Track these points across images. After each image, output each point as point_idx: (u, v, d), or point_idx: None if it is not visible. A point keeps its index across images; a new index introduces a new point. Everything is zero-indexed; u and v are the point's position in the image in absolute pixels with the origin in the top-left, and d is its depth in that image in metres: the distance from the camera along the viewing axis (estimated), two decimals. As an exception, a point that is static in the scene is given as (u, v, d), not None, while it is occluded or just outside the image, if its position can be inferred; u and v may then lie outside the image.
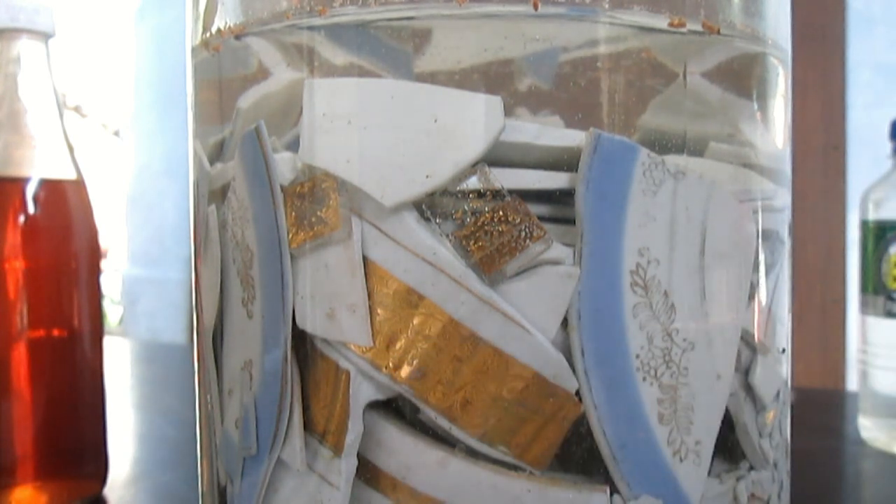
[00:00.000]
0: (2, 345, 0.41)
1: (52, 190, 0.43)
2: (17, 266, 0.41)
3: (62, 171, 0.43)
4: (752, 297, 0.22)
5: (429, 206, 0.19)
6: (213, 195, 0.23)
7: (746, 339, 0.22)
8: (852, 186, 1.29)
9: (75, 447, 0.43)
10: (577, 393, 0.19)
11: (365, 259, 0.20)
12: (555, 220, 0.20)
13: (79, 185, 0.44)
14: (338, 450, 0.20)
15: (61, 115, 0.44)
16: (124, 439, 0.54)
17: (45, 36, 0.43)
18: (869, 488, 0.50)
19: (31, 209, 0.42)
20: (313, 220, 0.20)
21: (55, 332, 0.43)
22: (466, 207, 0.19)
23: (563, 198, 0.19)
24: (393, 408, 0.20)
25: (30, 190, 0.42)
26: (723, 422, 0.21)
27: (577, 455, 0.20)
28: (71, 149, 0.44)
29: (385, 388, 0.20)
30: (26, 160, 0.42)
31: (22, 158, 0.42)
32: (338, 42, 0.20)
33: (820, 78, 1.29)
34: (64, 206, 0.43)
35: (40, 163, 0.43)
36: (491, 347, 0.19)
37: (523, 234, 0.19)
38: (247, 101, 0.22)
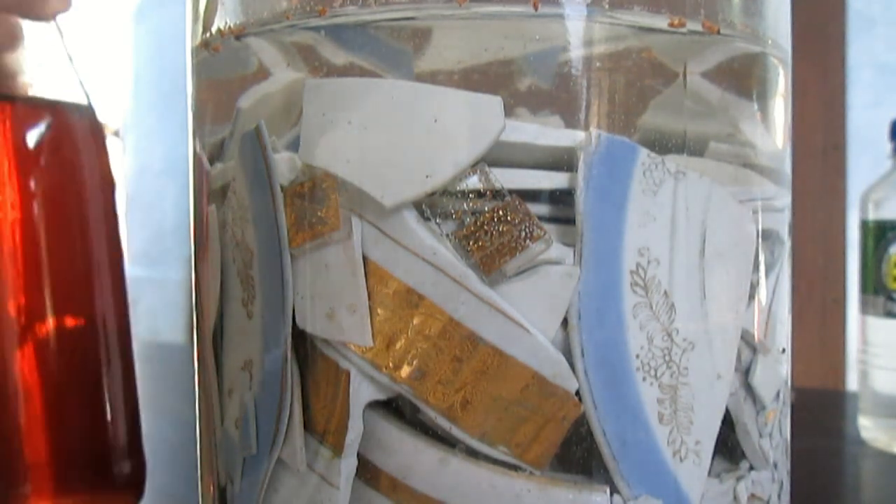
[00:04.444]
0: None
1: (57, 115, 0.32)
2: (12, 216, 0.31)
3: (67, 92, 0.33)
4: (752, 297, 0.22)
5: (429, 206, 0.19)
6: (213, 195, 0.23)
7: (746, 339, 0.22)
8: (852, 186, 1.29)
9: (104, 449, 0.33)
10: (577, 393, 0.19)
11: (365, 259, 0.20)
12: (555, 220, 0.20)
13: (90, 112, 0.33)
14: (338, 450, 0.20)
15: (61, 31, 0.34)
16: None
17: None
18: (869, 488, 0.50)
19: (29, 139, 0.32)
20: (313, 220, 0.20)
21: (68, 299, 0.32)
22: (466, 207, 0.19)
23: (563, 198, 0.19)
24: (393, 408, 0.20)
25: (25, 113, 0.32)
26: (723, 422, 0.21)
27: (577, 455, 0.20)
28: (73, 65, 0.34)
29: (385, 388, 0.20)
30: (19, 75, 0.32)
31: (13, 72, 0.32)
32: (338, 42, 0.20)
33: (820, 78, 1.29)
34: (72, 137, 0.32)
35: (38, 79, 0.33)
36: (491, 347, 0.19)
37: (523, 234, 0.19)
38: (247, 101, 0.22)
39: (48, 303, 0.32)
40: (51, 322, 0.32)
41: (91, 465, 0.33)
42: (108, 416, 0.34)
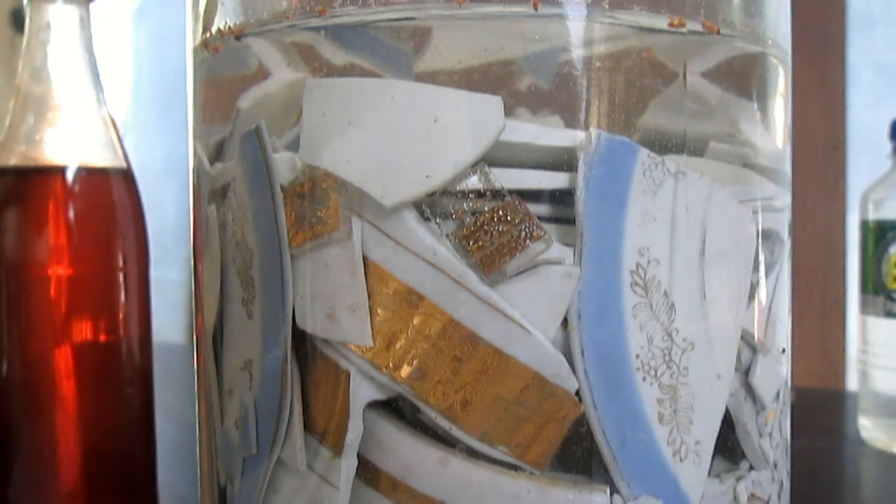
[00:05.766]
0: (41, 369, 0.35)
1: (96, 180, 0.36)
2: (58, 272, 0.35)
3: (106, 158, 0.36)
4: (752, 297, 0.22)
5: (429, 206, 0.19)
6: (213, 195, 0.23)
7: (746, 339, 0.22)
8: (852, 186, 1.29)
9: (123, 485, 0.37)
10: (577, 393, 0.19)
11: (365, 259, 0.20)
12: (555, 220, 0.20)
13: (126, 174, 0.37)
14: (338, 450, 0.20)
15: (101, 92, 0.37)
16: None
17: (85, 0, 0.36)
18: (869, 488, 0.50)
19: (71, 205, 0.35)
20: (313, 220, 0.20)
21: (104, 349, 0.36)
22: (466, 207, 0.19)
23: (563, 198, 0.19)
24: (393, 408, 0.20)
25: (69, 181, 0.35)
26: (723, 422, 0.21)
27: (577, 455, 0.20)
28: (116, 131, 0.37)
29: (385, 388, 0.20)
30: (64, 146, 0.35)
31: (59, 144, 0.35)
32: (338, 42, 0.20)
33: (820, 78, 1.29)
34: (109, 200, 0.36)
35: (80, 148, 0.35)
36: (491, 347, 0.19)
37: (523, 234, 0.19)
38: (247, 101, 0.22)
39: (87, 351, 0.36)
40: (88, 364, 0.36)
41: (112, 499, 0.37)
42: (128, 461, 0.38)
